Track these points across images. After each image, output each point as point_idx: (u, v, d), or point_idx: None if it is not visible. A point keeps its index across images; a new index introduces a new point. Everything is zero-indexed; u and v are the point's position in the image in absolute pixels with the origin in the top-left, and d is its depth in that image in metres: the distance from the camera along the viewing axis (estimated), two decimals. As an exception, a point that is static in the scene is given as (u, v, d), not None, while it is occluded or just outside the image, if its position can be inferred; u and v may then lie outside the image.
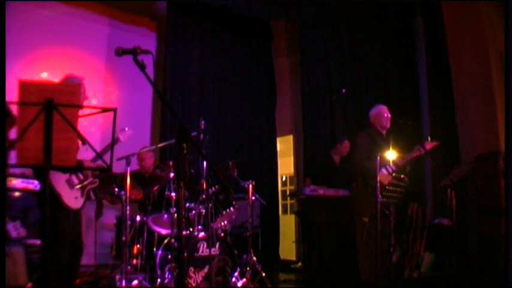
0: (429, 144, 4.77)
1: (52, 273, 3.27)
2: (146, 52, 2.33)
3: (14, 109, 2.76)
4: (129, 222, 3.94)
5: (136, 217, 4.45)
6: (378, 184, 4.04)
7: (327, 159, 6.04)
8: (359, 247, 4.83)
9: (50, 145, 2.26)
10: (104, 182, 3.63)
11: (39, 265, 4.23)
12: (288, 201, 8.91)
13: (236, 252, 4.54)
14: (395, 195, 4.27)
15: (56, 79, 5.58)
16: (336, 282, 5.16)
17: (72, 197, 3.27)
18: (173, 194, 4.32)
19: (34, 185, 4.54)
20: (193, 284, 4.13)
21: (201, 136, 4.41)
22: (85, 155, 3.30)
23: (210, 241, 4.17)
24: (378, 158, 4.13)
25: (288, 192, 8.79)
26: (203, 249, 4.26)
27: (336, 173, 5.84)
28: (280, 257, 7.36)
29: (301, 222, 6.54)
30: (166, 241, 4.30)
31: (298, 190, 6.11)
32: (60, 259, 3.28)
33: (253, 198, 4.80)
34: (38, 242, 4.35)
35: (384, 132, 4.93)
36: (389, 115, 4.94)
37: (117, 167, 3.45)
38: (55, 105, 2.31)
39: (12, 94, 2.37)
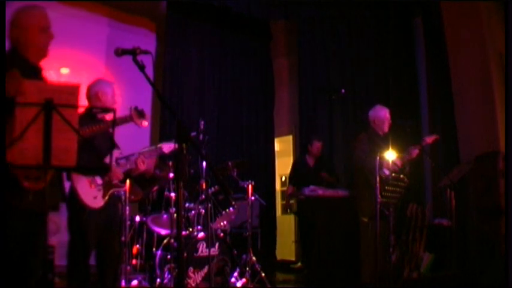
0: (429, 138, 4.85)
1: (73, 273, 3.30)
2: (146, 52, 2.33)
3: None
4: (128, 223, 3.94)
5: (135, 217, 4.45)
6: (378, 184, 4.04)
7: (301, 162, 6.13)
8: (361, 247, 4.85)
9: (50, 145, 2.26)
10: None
11: (39, 265, 4.23)
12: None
13: (235, 252, 4.54)
14: (395, 195, 4.27)
15: (56, 79, 5.61)
16: (335, 282, 5.16)
17: (90, 196, 3.24)
18: (172, 194, 4.33)
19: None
20: (193, 284, 4.13)
21: (201, 136, 4.42)
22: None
23: (209, 241, 4.18)
24: (378, 158, 4.14)
25: (287, 193, 8.78)
26: (202, 250, 4.26)
27: (309, 174, 5.91)
28: (277, 257, 7.36)
29: (300, 223, 6.55)
30: (165, 241, 4.30)
31: (297, 190, 6.15)
32: (81, 259, 3.27)
33: (252, 198, 4.81)
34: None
35: (382, 133, 4.95)
36: (389, 120, 4.97)
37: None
38: (54, 106, 2.31)
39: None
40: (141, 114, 3.36)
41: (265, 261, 5.95)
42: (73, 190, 3.24)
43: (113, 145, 3.47)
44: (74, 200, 3.25)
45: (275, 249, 7.32)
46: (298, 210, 6.28)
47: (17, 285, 2.42)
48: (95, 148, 3.04)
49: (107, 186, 3.33)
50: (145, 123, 3.45)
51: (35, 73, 2.58)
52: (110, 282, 3.37)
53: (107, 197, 3.33)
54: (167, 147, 3.75)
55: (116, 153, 3.47)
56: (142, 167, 3.50)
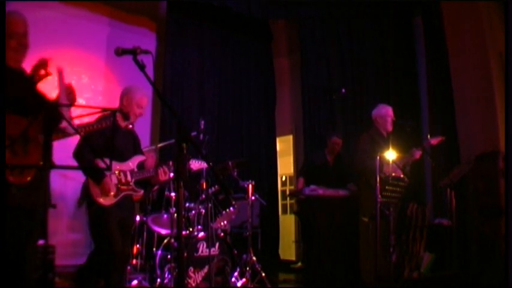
0: (435, 140, 4.85)
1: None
2: (146, 52, 2.33)
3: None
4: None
5: (135, 217, 4.45)
6: (378, 184, 4.04)
7: (321, 159, 6.04)
8: (361, 247, 4.86)
9: (50, 145, 2.26)
10: (145, 183, 3.64)
11: (39, 265, 4.23)
12: (288, 201, 8.91)
13: (236, 252, 4.54)
14: (395, 195, 4.27)
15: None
16: (335, 282, 5.16)
17: (100, 192, 3.27)
18: (173, 194, 4.33)
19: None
20: (193, 284, 4.14)
21: (201, 136, 4.42)
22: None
23: (209, 241, 4.18)
24: (378, 158, 4.14)
25: (287, 192, 8.79)
26: (203, 249, 4.26)
27: (329, 172, 5.85)
28: (281, 257, 7.37)
29: (300, 222, 6.55)
30: (166, 241, 4.30)
31: (298, 190, 6.13)
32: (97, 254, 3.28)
33: (252, 198, 4.81)
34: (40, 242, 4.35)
35: (385, 133, 4.97)
36: (393, 117, 4.98)
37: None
38: (55, 106, 2.32)
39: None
40: (125, 116, 3.41)
41: (268, 262, 5.94)
42: (86, 185, 3.28)
43: (135, 150, 3.49)
44: (87, 195, 3.29)
45: (278, 249, 7.32)
46: (298, 210, 6.29)
47: (13, 285, 2.42)
48: (106, 149, 3.02)
49: (121, 186, 3.34)
50: (130, 126, 3.50)
51: (16, 76, 2.60)
52: (115, 283, 3.35)
53: (118, 197, 3.33)
54: (196, 164, 3.77)
55: (139, 158, 3.49)
56: (163, 177, 3.50)
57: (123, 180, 3.36)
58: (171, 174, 4.26)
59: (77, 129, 2.61)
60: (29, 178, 2.40)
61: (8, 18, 2.67)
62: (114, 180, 3.32)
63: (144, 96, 3.58)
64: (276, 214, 7.49)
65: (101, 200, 3.27)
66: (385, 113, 5.00)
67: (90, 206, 3.30)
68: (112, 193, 3.30)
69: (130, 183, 3.40)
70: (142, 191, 3.50)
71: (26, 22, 2.76)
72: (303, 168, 6.27)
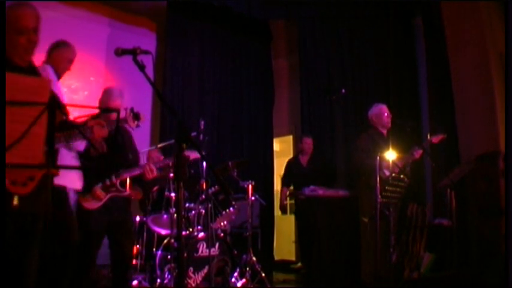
0: (436, 138, 4.86)
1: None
2: (146, 52, 2.32)
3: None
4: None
5: (135, 217, 4.45)
6: (378, 184, 4.04)
7: (294, 163, 6.16)
8: (361, 247, 4.86)
9: (53, 146, 2.24)
10: (145, 183, 3.61)
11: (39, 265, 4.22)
12: (288, 201, 8.91)
13: (236, 252, 4.54)
14: (395, 195, 4.27)
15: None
16: (335, 282, 5.17)
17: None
18: (173, 194, 4.32)
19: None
20: (193, 285, 4.14)
21: (201, 136, 4.42)
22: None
23: (209, 241, 4.18)
24: (378, 158, 4.14)
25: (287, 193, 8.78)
26: (203, 250, 4.26)
27: (304, 176, 5.94)
28: (277, 257, 7.36)
29: (298, 223, 6.57)
30: (165, 241, 4.30)
31: (294, 191, 6.22)
32: (83, 259, 3.20)
33: (252, 198, 4.81)
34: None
35: (385, 131, 4.98)
36: (389, 114, 4.99)
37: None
38: (57, 105, 2.30)
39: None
40: (136, 116, 3.31)
41: (263, 261, 5.95)
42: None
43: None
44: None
45: (273, 249, 7.32)
46: (296, 210, 6.29)
47: (14, 286, 2.40)
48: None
49: (105, 189, 3.32)
50: (138, 125, 3.42)
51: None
52: (119, 285, 3.35)
53: (104, 200, 3.30)
54: (192, 155, 3.75)
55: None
56: (149, 175, 3.44)
57: (107, 182, 3.33)
58: (171, 175, 4.28)
59: (83, 133, 2.57)
60: (29, 190, 2.29)
61: (17, 12, 2.41)
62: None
63: (110, 100, 3.43)
64: (272, 214, 7.48)
65: (85, 204, 3.25)
66: (379, 110, 5.03)
67: (78, 211, 3.25)
68: (102, 198, 3.28)
69: (115, 184, 3.36)
70: (138, 190, 3.48)
71: (38, 16, 2.47)
72: (282, 176, 6.39)
